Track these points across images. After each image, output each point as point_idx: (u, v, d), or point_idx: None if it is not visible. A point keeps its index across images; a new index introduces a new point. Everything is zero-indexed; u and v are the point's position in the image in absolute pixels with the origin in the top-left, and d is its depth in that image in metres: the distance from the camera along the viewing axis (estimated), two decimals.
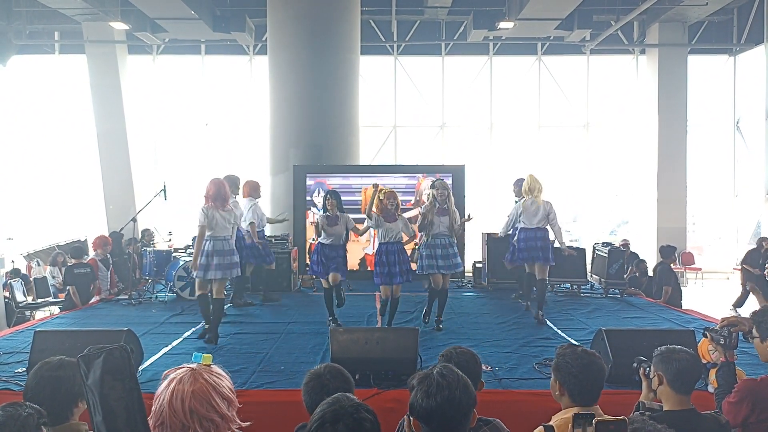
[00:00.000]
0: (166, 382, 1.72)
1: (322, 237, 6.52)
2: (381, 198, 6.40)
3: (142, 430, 1.70)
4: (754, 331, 3.11)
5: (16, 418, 2.09)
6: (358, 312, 7.45)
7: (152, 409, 1.72)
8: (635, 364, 2.97)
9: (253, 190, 8.04)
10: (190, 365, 1.76)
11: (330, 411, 1.71)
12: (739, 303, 11.09)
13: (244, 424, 1.83)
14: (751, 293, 6.71)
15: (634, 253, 9.61)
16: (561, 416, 2.51)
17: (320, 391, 2.60)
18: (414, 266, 6.68)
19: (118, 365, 1.75)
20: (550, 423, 2.46)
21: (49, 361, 2.65)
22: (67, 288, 8.07)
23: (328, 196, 6.63)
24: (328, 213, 6.55)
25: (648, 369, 2.90)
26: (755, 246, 11.23)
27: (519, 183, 7.46)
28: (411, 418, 1.91)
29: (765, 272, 10.74)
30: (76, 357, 1.79)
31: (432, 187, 6.61)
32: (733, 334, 3.06)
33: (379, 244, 6.47)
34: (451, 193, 6.55)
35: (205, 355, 1.77)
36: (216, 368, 1.78)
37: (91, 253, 8.75)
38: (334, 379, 2.65)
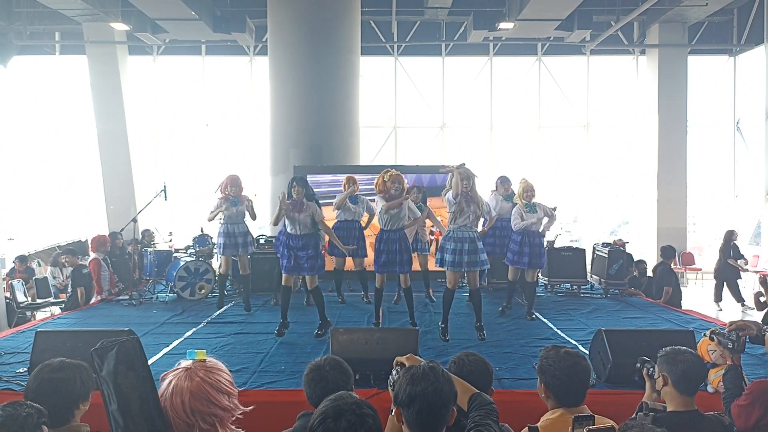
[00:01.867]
0: (164, 384, 1.76)
1: (286, 225, 6.09)
2: (385, 180, 6.14)
3: (156, 416, 1.75)
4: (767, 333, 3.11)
5: (16, 418, 2.11)
6: (358, 312, 7.47)
7: None
8: (638, 365, 2.97)
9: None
10: (185, 364, 1.78)
11: (332, 407, 1.74)
12: (719, 297, 11.34)
13: (247, 409, 1.87)
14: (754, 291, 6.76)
15: (628, 253, 9.54)
16: (548, 417, 2.52)
17: (320, 382, 2.64)
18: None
19: (131, 356, 1.80)
20: (537, 424, 2.47)
21: (49, 363, 2.65)
22: (76, 289, 8.07)
23: (294, 182, 6.12)
24: (293, 199, 6.08)
25: (651, 370, 2.90)
26: (723, 242, 11.45)
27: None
28: (394, 408, 1.95)
29: (739, 262, 11.15)
30: (89, 351, 1.85)
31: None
32: (741, 338, 3.05)
33: (381, 230, 6.21)
34: (475, 182, 5.97)
35: (198, 351, 1.80)
36: (211, 361, 1.81)
37: (92, 254, 8.75)
38: (333, 371, 2.70)
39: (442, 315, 6.14)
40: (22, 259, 11.15)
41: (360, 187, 7.65)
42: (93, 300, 8.28)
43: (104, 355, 1.79)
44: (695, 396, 2.76)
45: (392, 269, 6.20)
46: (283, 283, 6.18)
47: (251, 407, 1.90)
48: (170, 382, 1.75)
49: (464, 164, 6.01)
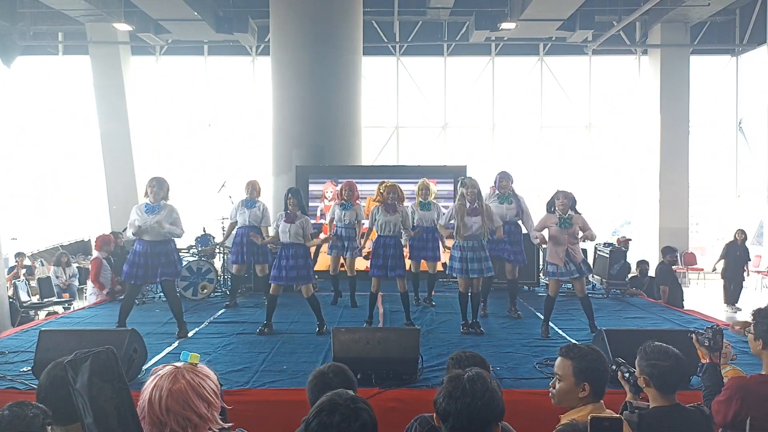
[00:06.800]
0: (150, 378, 1.75)
1: (282, 237, 6.37)
2: (381, 191, 6.53)
3: (134, 428, 1.73)
4: (751, 327, 3.16)
5: (22, 418, 2.12)
6: (360, 312, 7.49)
7: (138, 403, 1.76)
8: (614, 367, 3.00)
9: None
10: (176, 363, 1.77)
11: (327, 401, 1.77)
12: (735, 298, 11.24)
13: (226, 425, 1.84)
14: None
15: (623, 251, 9.44)
16: (575, 414, 2.49)
17: (324, 389, 2.65)
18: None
19: (106, 367, 1.78)
20: (562, 422, 2.46)
21: (61, 361, 2.68)
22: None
23: (289, 194, 6.46)
24: (288, 211, 6.41)
25: (626, 373, 2.95)
26: (732, 240, 11.43)
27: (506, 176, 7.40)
28: (435, 414, 2.00)
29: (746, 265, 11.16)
30: (63, 363, 1.83)
31: (461, 185, 6.35)
32: (717, 337, 3.11)
33: (377, 236, 6.53)
34: (481, 191, 6.26)
35: (192, 354, 1.79)
36: (202, 368, 1.79)
37: (95, 253, 8.79)
38: (337, 378, 2.72)
39: (462, 318, 6.43)
40: (20, 255, 11.34)
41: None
42: (96, 299, 8.31)
43: (78, 367, 1.76)
44: (686, 393, 2.82)
45: (387, 274, 6.43)
46: (271, 293, 6.40)
47: (231, 424, 1.88)
48: (155, 377, 1.74)
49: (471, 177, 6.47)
